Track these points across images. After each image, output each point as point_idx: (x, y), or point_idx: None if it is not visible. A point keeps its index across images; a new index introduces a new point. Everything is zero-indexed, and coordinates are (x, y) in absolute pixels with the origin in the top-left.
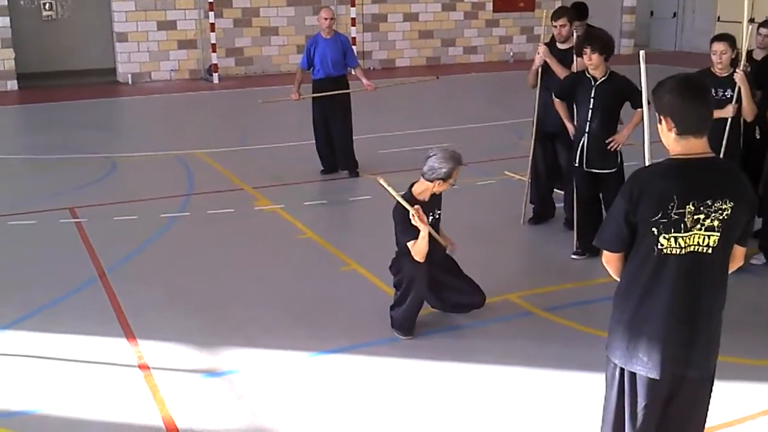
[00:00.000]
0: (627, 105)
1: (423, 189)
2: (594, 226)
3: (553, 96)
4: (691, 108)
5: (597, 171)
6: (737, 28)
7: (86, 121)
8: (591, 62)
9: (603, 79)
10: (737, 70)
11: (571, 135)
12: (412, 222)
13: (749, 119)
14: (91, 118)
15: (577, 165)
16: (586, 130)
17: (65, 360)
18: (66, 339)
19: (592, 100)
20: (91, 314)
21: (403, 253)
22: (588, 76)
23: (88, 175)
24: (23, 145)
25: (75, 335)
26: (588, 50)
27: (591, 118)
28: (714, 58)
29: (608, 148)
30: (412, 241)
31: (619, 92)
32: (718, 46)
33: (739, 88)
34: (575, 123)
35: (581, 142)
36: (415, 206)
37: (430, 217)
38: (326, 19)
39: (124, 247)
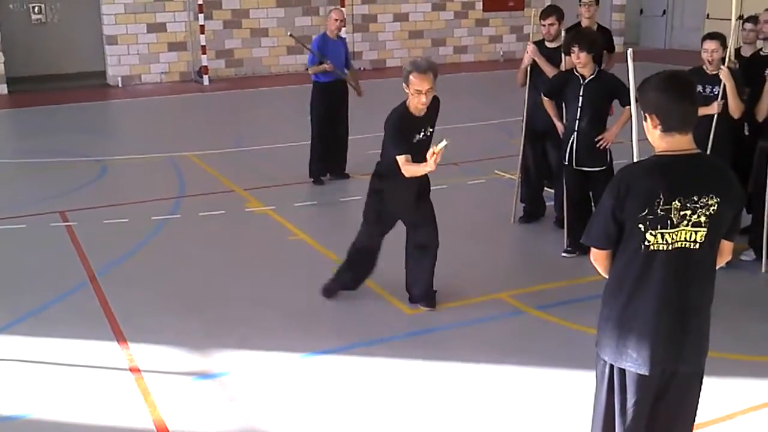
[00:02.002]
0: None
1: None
2: (584, 224)
3: (542, 95)
4: (676, 105)
5: (586, 169)
6: (726, 25)
7: (76, 125)
8: (579, 61)
9: (591, 77)
10: (722, 67)
11: (560, 134)
12: (428, 158)
13: (735, 116)
14: (81, 122)
15: (566, 163)
16: (576, 128)
17: (56, 364)
18: (57, 343)
19: (580, 98)
20: (82, 318)
21: (386, 164)
22: (576, 74)
23: (79, 178)
24: (13, 149)
25: (66, 339)
26: (576, 49)
27: (580, 117)
28: (704, 56)
29: (597, 146)
30: (404, 156)
31: (607, 90)
32: (710, 45)
33: (725, 85)
34: (564, 122)
35: (571, 140)
36: (434, 156)
37: (422, 134)
38: (336, 20)
39: (115, 250)
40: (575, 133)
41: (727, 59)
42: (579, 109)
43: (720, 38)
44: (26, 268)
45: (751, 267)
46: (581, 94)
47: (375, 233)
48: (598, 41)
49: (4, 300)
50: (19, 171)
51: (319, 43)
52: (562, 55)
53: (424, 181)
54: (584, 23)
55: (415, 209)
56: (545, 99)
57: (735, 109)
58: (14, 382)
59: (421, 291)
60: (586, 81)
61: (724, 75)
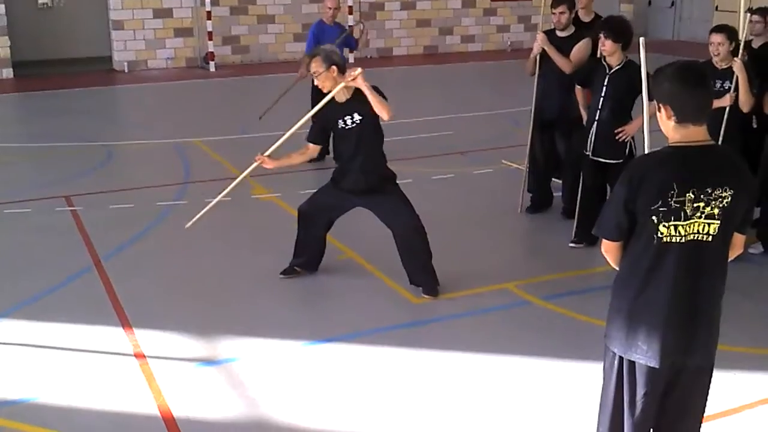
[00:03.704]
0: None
1: None
2: (595, 215)
3: (575, 84)
4: (690, 95)
5: (604, 160)
6: (735, 17)
7: (82, 110)
8: (605, 48)
9: (618, 67)
10: (735, 59)
11: (584, 122)
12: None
13: (745, 110)
14: (87, 107)
15: (585, 152)
16: (596, 118)
17: (61, 349)
18: (61, 328)
19: (604, 88)
20: (87, 303)
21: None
22: (604, 63)
23: (84, 163)
24: (18, 134)
25: (70, 324)
26: (602, 36)
27: (601, 107)
28: (711, 49)
29: (617, 138)
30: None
31: (632, 81)
32: (715, 38)
33: (737, 78)
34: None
35: (591, 130)
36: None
37: (347, 120)
38: (330, 8)
39: (120, 236)
40: (596, 122)
41: (740, 52)
42: (601, 98)
43: (726, 31)
44: (31, 252)
45: (759, 260)
46: (605, 83)
47: (319, 202)
48: (628, 30)
49: (9, 284)
50: (24, 155)
51: (315, 29)
52: (573, 44)
53: (368, 169)
54: (581, 14)
55: (367, 199)
56: (578, 87)
57: (745, 102)
58: (19, 367)
59: (419, 276)
60: (612, 71)
61: (738, 67)
